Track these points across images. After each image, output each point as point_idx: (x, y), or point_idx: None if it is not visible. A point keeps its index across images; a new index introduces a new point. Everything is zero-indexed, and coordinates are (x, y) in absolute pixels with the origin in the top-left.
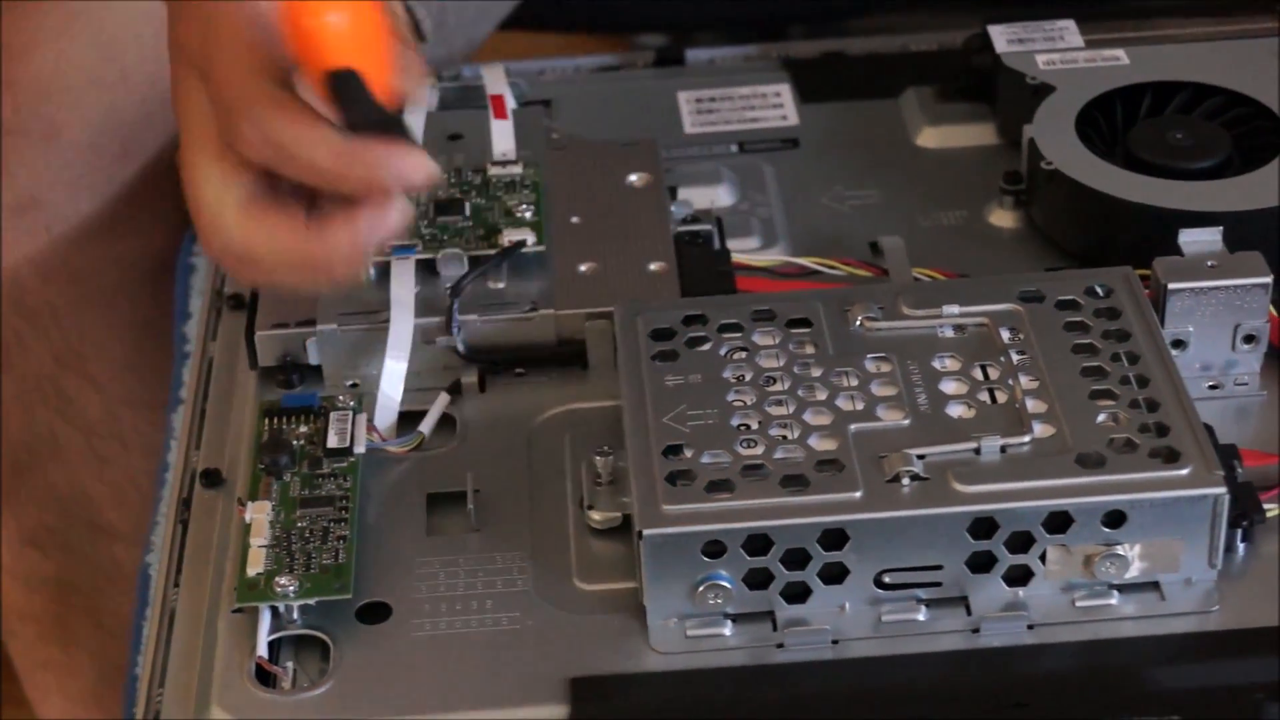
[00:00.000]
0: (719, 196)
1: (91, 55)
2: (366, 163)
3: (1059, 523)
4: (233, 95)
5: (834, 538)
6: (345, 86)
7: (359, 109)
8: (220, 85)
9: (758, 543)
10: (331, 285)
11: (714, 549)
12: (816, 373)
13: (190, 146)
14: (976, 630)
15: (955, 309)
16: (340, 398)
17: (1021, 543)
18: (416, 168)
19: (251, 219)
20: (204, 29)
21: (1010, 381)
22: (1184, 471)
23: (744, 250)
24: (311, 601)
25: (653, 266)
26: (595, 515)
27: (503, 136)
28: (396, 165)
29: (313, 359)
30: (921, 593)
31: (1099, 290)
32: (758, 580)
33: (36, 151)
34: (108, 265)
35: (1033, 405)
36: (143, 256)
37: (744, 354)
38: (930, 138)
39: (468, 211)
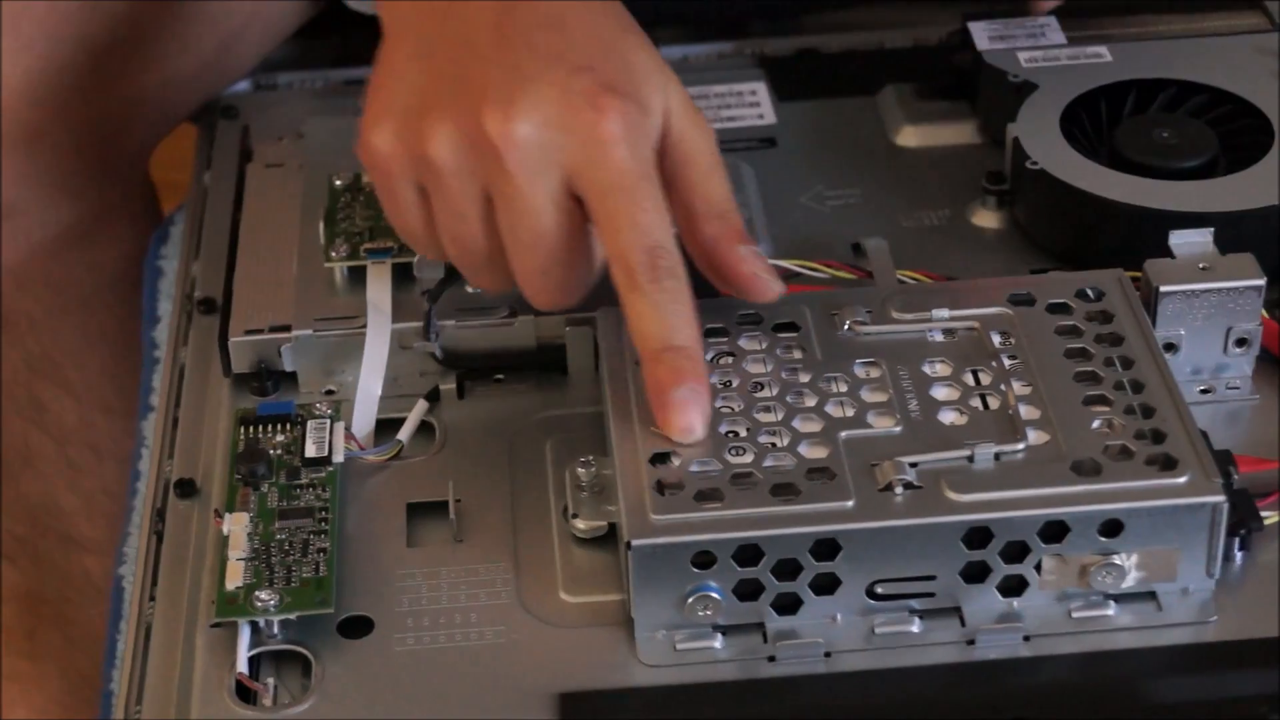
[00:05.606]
0: None
1: (79, 59)
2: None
3: (1055, 532)
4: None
5: (826, 548)
6: None
7: None
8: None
9: (748, 553)
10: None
11: (703, 559)
12: (805, 378)
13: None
14: (971, 642)
15: (945, 313)
16: (317, 405)
17: (1017, 552)
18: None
19: None
20: None
21: (1003, 387)
22: (1182, 479)
23: None
24: (292, 616)
25: None
26: (580, 524)
27: None
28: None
29: (288, 365)
30: (915, 603)
31: (1090, 293)
32: (748, 591)
33: (20, 156)
34: (84, 273)
35: (1026, 411)
36: (118, 263)
37: (730, 359)
38: (910, 136)
39: None
